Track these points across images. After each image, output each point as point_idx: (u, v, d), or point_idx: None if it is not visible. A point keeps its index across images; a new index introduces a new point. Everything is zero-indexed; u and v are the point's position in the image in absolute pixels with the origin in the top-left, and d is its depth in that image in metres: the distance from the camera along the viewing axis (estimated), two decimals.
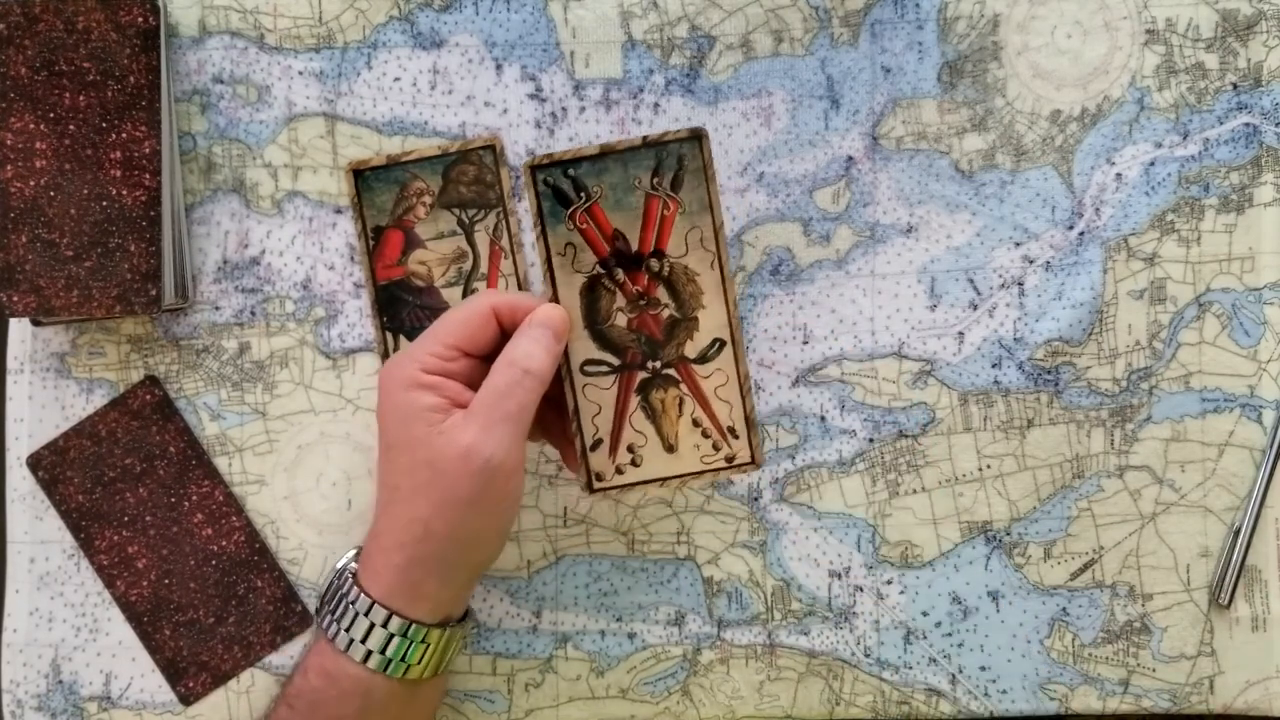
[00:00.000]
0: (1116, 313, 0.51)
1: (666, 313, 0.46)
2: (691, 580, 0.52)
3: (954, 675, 0.51)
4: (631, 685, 0.52)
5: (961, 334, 0.51)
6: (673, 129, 0.46)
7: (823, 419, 0.52)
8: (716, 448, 0.46)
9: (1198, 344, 0.51)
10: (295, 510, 0.52)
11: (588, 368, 0.46)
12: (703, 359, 0.46)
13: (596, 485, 0.46)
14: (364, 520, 0.52)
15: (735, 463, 0.46)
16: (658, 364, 0.46)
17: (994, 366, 0.51)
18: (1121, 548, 0.51)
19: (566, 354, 0.45)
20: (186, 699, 0.51)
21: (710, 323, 0.46)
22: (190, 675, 0.51)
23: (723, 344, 0.46)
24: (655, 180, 0.45)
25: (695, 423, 0.46)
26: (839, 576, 0.52)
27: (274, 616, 0.51)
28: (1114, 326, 0.51)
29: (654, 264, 0.45)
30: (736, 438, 0.46)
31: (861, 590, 0.51)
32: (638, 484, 0.46)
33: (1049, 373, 0.51)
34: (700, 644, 0.52)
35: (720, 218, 0.45)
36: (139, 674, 0.52)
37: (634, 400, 0.46)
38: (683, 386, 0.46)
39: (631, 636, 0.52)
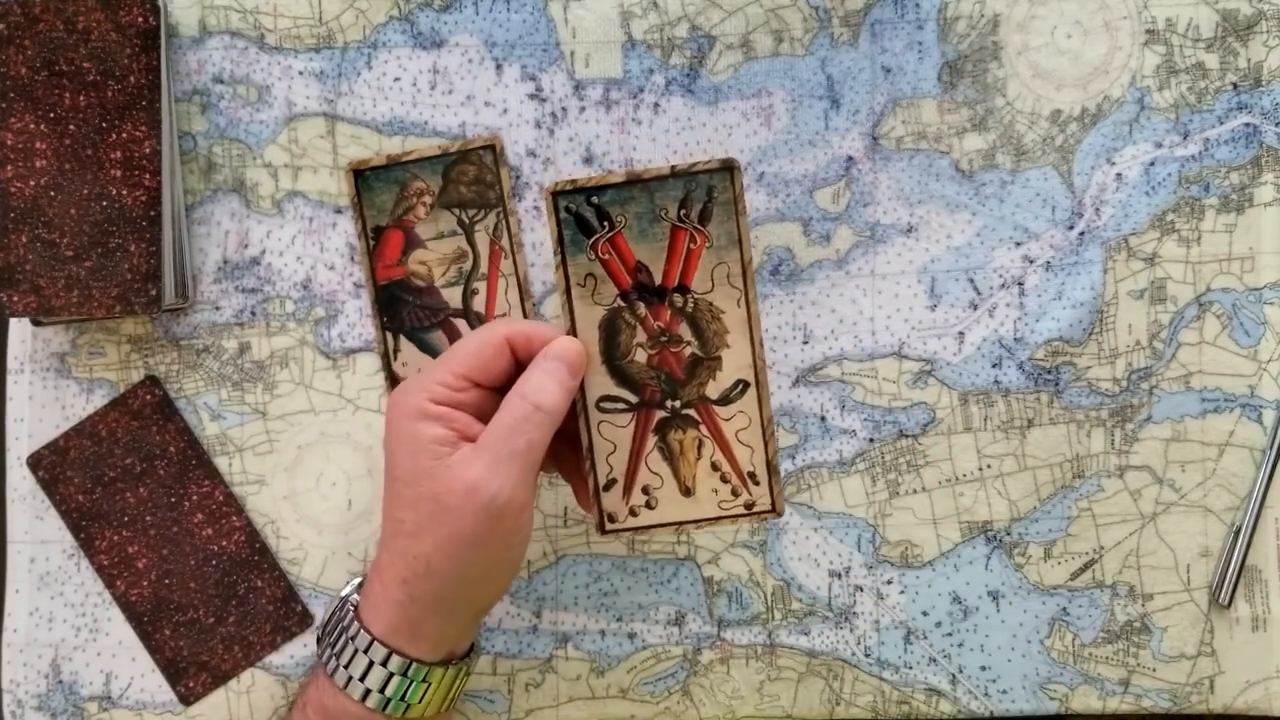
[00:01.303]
0: (1116, 313, 0.51)
1: (688, 350, 0.44)
2: (691, 580, 0.52)
3: (954, 675, 0.51)
4: (631, 685, 0.52)
5: (962, 334, 0.51)
6: (702, 159, 0.44)
7: (823, 419, 0.52)
8: (735, 493, 0.44)
9: (1198, 344, 0.51)
10: (295, 510, 0.52)
11: (604, 404, 0.44)
12: (725, 400, 0.44)
13: (609, 526, 0.44)
14: (364, 520, 0.52)
15: (755, 510, 0.44)
16: (677, 403, 0.44)
17: (994, 366, 0.51)
18: (1122, 548, 0.51)
19: (582, 389, 0.43)
20: (186, 699, 0.51)
21: (734, 363, 0.43)
22: (190, 675, 0.51)
23: (746, 385, 0.44)
24: (683, 211, 0.43)
25: (714, 466, 0.44)
26: (839, 576, 0.52)
27: (274, 616, 0.51)
28: (1114, 326, 0.51)
29: (677, 299, 0.43)
30: (757, 484, 0.44)
31: (861, 590, 0.51)
32: (651, 527, 0.44)
33: (1049, 373, 0.51)
34: (700, 644, 0.52)
35: (749, 254, 0.43)
36: (139, 674, 0.52)
37: (651, 440, 0.44)
38: (703, 428, 0.44)
39: (631, 636, 0.52)
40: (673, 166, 0.42)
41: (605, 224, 0.43)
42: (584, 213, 0.43)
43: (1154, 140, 0.51)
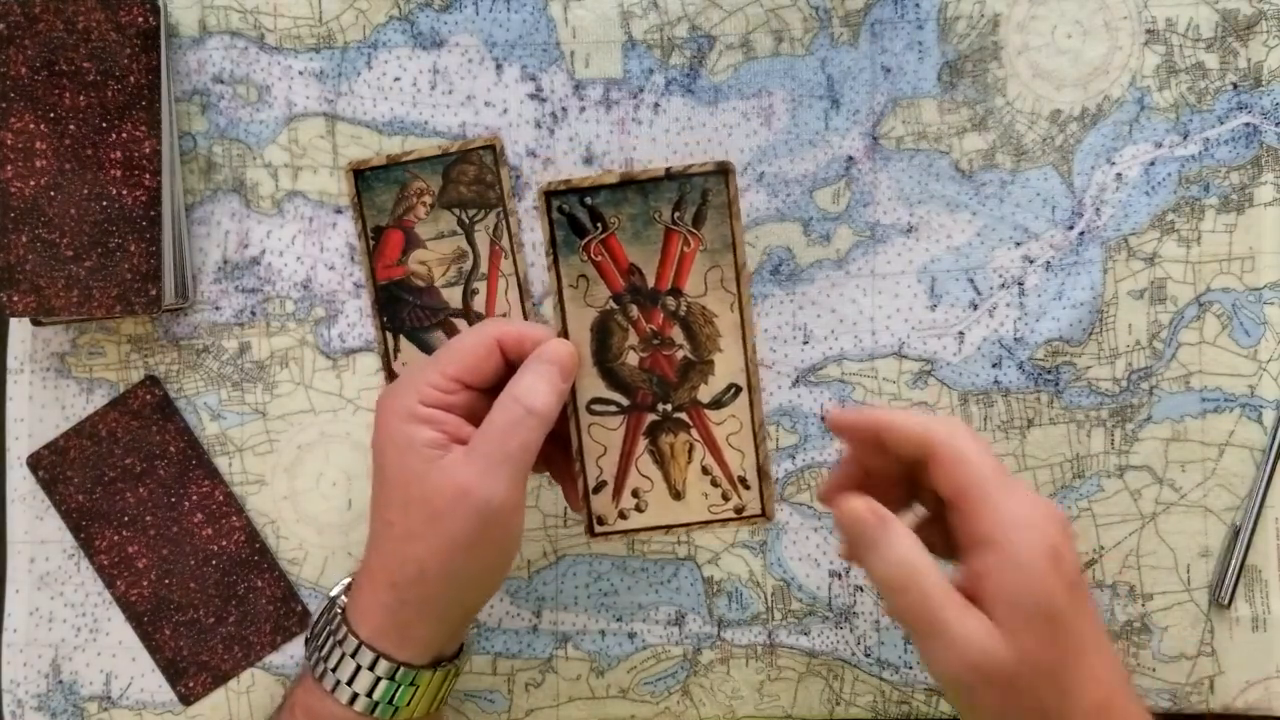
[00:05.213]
0: (1116, 313, 0.51)
1: (681, 354, 0.43)
2: (691, 580, 0.52)
3: None
4: (632, 685, 0.52)
5: (962, 334, 0.51)
6: (697, 161, 0.44)
7: (823, 419, 0.52)
8: (726, 497, 0.44)
9: (1198, 344, 0.51)
10: (295, 510, 0.52)
11: (595, 406, 0.44)
12: (716, 404, 0.44)
13: (598, 529, 0.44)
14: (364, 520, 0.51)
15: (744, 514, 0.44)
16: (668, 407, 0.44)
17: (994, 366, 0.51)
18: (1121, 548, 0.51)
19: (573, 391, 0.43)
20: (186, 699, 0.51)
21: (726, 367, 0.43)
22: (190, 675, 0.51)
23: (739, 390, 0.44)
24: (676, 214, 0.42)
25: (705, 470, 0.44)
26: (839, 576, 0.52)
27: (274, 616, 0.51)
28: (1114, 326, 0.51)
29: (670, 302, 0.43)
30: (748, 488, 0.44)
31: (862, 590, 0.51)
32: (641, 530, 0.44)
33: (1049, 373, 0.51)
34: (700, 644, 0.52)
35: (743, 258, 0.43)
36: (139, 674, 0.52)
37: (641, 443, 0.44)
38: (694, 431, 0.44)
39: (631, 636, 0.52)
40: (667, 168, 0.42)
41: (598, 225, 0.43)
42: (577, 213, 0.43)
43: (1154, 140, 0.51)
